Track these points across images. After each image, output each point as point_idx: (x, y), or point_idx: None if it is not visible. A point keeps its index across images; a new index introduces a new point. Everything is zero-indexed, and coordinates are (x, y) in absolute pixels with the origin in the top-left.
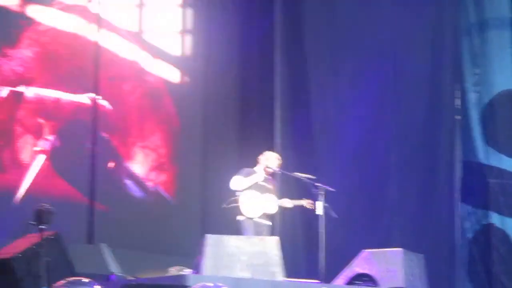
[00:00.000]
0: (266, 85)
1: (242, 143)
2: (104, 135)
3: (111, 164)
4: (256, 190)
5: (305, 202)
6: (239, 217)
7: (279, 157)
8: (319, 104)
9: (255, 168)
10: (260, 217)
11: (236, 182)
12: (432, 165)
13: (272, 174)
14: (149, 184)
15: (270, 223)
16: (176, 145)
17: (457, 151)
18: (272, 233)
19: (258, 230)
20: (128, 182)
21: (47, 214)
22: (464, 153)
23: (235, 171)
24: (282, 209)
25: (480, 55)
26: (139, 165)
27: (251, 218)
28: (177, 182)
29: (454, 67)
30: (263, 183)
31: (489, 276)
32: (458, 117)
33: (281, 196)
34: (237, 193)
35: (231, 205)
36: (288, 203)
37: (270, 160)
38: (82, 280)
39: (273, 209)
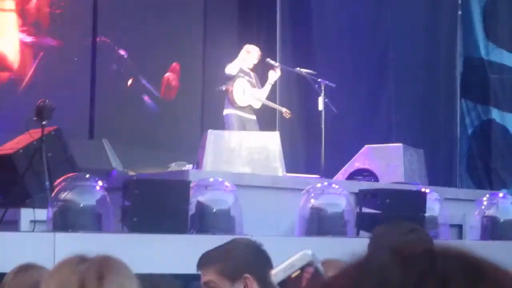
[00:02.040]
0: None
1: (242, 38)
2: (104, 38)
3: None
4: (247, 82)
5: (284, 110)
6: (225, 111)
7: (259, 53)
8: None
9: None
10: (246, 111)
11: (229, 66)
12: (432, 61)
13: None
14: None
15: (255, 117)
16: (176, 43)
17: (458, 46)
18: (271, 128)
19: (244, 125)
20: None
21: (48, 110)
22: (465, 48)
23: None
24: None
25: None
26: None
27: (237, 113)
28: (178, 80)
29: None
30: (250, 79)
31: (488, 171)
32: (459, 12)
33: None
34: (231, 80)
35: (223, 87)
36: (269, 103)
37: (251, 54)
38: (84, 176)
39: (257, 104)
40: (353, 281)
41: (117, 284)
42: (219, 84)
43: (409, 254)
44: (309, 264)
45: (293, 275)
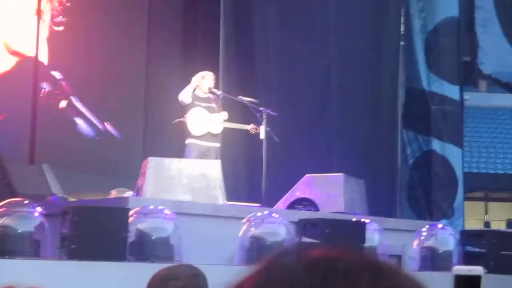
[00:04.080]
0: (212, 6)
1: (186, 66)
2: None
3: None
4: (204, 109)
5: (250, 127)
6: (187, 141)
7: (213, 76)
8: (261, 28)
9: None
10: (206, 139)
11: (182, 93)
12: (375, 91)
13: (214, 95)
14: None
15: (219, 145)
16: (118, 68)
17: (400, 77)
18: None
19: (205, 153)
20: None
21: None
22: (407, 79)
23: (178, 92)
24: (225, 131)
25: None
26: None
27: (197, 142)
28: (120, 105)
29: None
30: (209, 104)
31: (429, 201)
32: (402, 43)
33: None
34: (186, 110)
35: (178, 120)
36: (233, 125)
37: (206, 78)
38: (22, 202)
39: (218, 129)
40: (261, 285)
41: None
42: (160, 110)
43: (313, 257)
44: None
45: None
